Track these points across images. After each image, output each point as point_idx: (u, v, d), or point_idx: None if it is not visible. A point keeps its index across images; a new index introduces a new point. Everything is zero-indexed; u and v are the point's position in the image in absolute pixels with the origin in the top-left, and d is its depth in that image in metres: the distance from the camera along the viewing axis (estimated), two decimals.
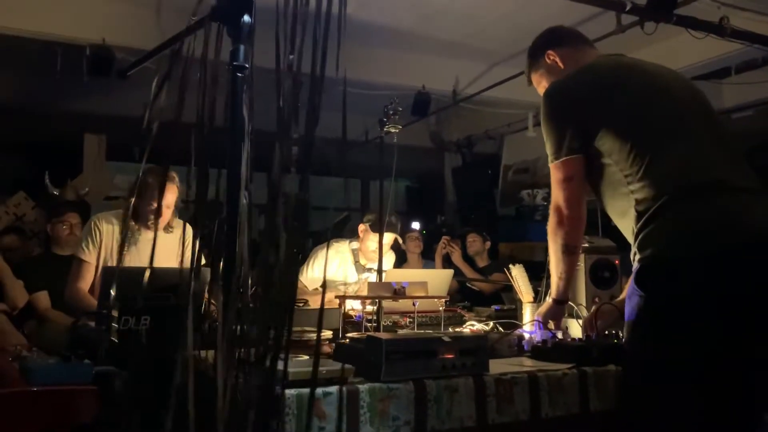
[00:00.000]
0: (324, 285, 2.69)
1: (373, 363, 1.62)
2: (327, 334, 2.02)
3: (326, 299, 1.39)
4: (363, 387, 1.57)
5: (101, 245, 3.10)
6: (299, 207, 1.10)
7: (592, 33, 2.48)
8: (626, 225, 1.84)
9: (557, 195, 1.96)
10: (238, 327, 1.12)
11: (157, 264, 1.38)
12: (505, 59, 5.34)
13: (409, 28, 5.04)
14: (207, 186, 1.21)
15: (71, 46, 4.77)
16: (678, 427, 1.63)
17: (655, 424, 1.65)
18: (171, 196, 3.04)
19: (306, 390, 1.10)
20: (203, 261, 1.23)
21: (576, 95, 1.94)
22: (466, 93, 5.93)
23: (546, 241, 2.03)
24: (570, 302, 2.23)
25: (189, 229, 3.00)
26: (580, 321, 2.26)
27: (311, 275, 3.67)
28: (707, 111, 1.93)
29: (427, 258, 5.71)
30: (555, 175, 1.96)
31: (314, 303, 2.68)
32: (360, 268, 3.73)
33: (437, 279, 2.96)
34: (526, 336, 2.19)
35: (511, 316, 2.75)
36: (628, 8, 3.96)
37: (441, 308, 2.41)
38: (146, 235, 3.07)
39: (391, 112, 2.64)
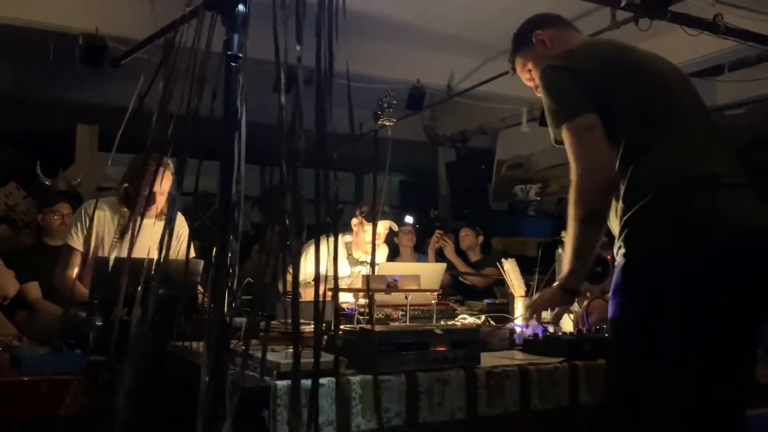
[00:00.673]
0: (317, 279, 2.68)
1: (366, 355, 1.62)
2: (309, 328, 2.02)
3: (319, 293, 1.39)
4: (355, 379, 1.58)
5: (91, 232, 3.07)
6: (295, 201, 1.10)
7: (587, 29, 2.47)
8: (612, 219, 1.78)
9: (578, 153, 1.70)
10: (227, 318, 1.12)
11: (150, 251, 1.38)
12: (500, 54, 5.32)
13: (404, 20, 5.02)
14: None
15: (64, 35, 4.73)
16: (662, 423, 1.62)
17: (639, 420, 1.63)
18: (166, 182, 3.02)
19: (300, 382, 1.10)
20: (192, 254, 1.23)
21: (586, 66, 1.80)
22: (461, 87, 5.92)
23: (538, 236, 2.01)
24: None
25: (182, 221, 3.02)
26: (572, 315, 2.27)
27: (304, 269, 3.66)
28: (699, 104, 1.89)
29: (420, 252, 5.72)
30: (571, 134, 1.72)
31: (307, 296, 2.67)
32: (353, 262, 3.72)
33: (430, 272, 2.97)
34: (518, 330, 2.19)
35: (503, 310, 2.75)
36: (622, 4, 3.97)
37: (433, 302, 2.41)
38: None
39: (385, 106, 2.63)
